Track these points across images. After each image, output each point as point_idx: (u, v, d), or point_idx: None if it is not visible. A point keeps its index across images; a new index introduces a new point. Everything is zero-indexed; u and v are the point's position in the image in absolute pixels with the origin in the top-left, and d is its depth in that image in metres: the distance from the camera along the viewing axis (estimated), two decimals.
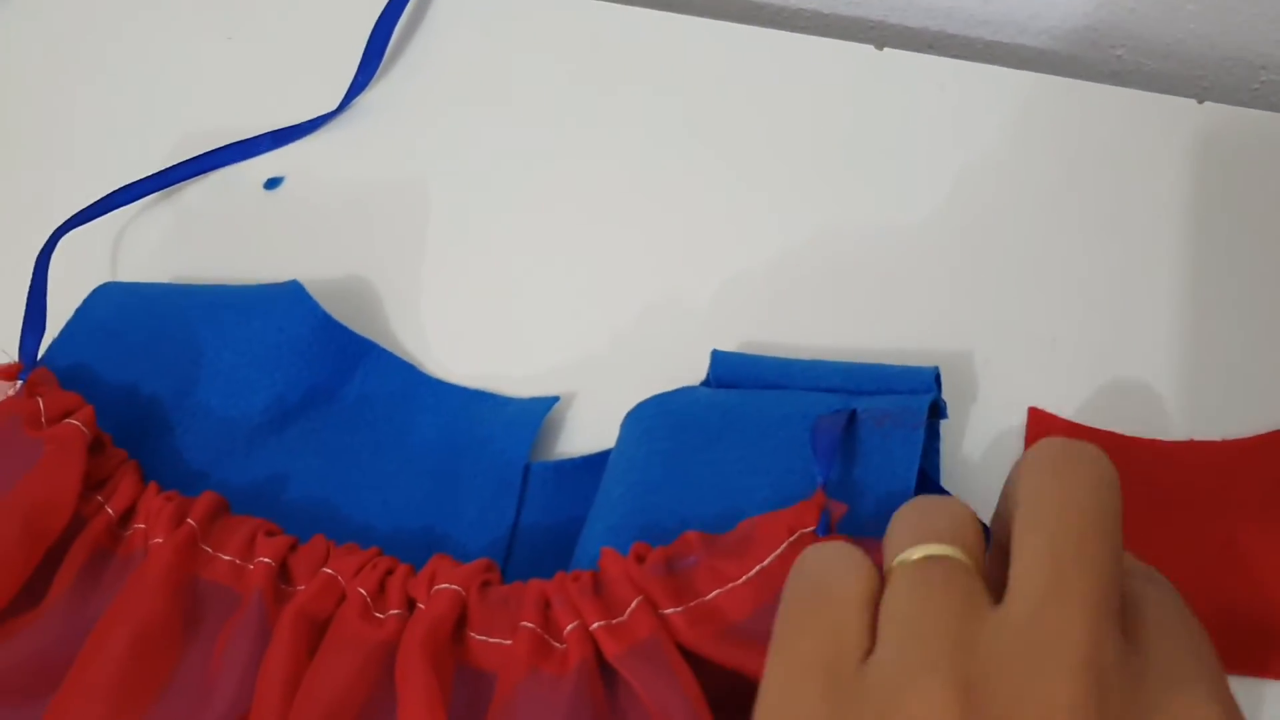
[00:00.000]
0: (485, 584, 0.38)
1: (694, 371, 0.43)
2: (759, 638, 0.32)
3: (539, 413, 0.45)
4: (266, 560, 0.39)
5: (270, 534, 0.40)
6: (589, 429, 0.45)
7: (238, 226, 0.52)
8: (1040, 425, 0.42)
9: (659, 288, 0.48)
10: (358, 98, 0.54)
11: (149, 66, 0.57)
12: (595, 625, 0.35)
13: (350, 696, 0.36)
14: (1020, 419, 0.43)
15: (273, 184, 0.53)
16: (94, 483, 0.41)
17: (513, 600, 0.37)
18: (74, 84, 0.57)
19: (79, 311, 0.47)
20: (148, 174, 0.51)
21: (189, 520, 0.40)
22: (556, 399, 0.45)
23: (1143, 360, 0.43)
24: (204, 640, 0.38)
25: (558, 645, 0.35)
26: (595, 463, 0.43)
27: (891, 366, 0.41)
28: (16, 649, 0.39)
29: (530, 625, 0.36)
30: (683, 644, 0.35)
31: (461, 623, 0.37)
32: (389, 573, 0.38)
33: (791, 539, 0.35)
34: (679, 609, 0.35)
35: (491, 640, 0.36)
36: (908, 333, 0.45)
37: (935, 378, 0.40)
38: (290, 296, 0.46)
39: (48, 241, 0.47)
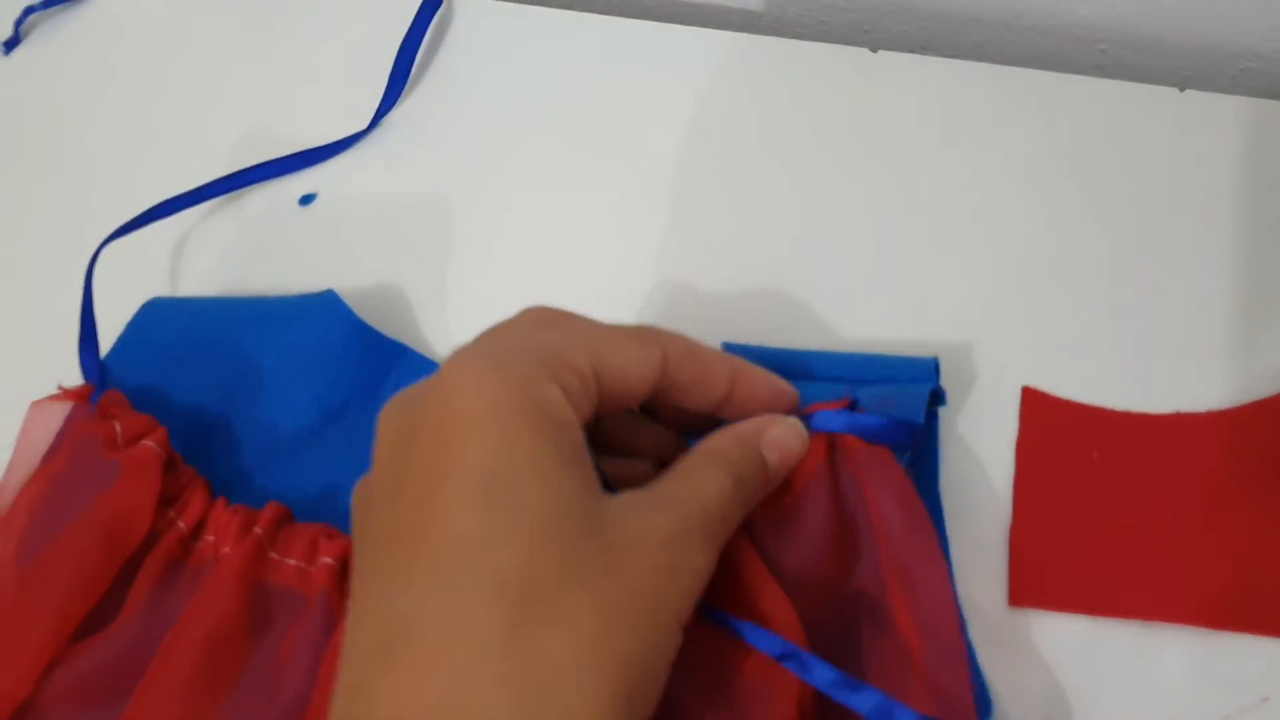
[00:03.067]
0: None
1: None
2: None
3: None
4: (329, 560, 0.42)
5: (331, 536, 0.43)
6: None
7: (274, 240, 0.55)
8: (1034, 404, 0.45)
9: (670, 287, 0.50)
10: (386, 115, 0.57)
11: (188, 89, 0.60)
12: None
13: None
14: (1015, 400, 0.45)
15: (307, 200, 0.56)
16: (166, 499, 0.44)
17: None
18: (120, 105, 0.60)
19: (129, 327, 0.51)
20: (186, 190, 0.54)
21: (255, 529, 0.43)
22: None
23: (1130, 340, 0.45)
24: (272, 639, 0.41)
25: None
26: None
27: (893, 357, 0.43)
28: (98, 655, 0.42)
29: None
30: None
31: None
32: None
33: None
34: None
35: None
36: (907, 322, 0.47)
37: (935, 367, 0.42)
38: (326, 305, 0.49)
39: (93, 256, 0.50)
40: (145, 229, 0.53)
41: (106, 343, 0.50)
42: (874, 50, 0.53)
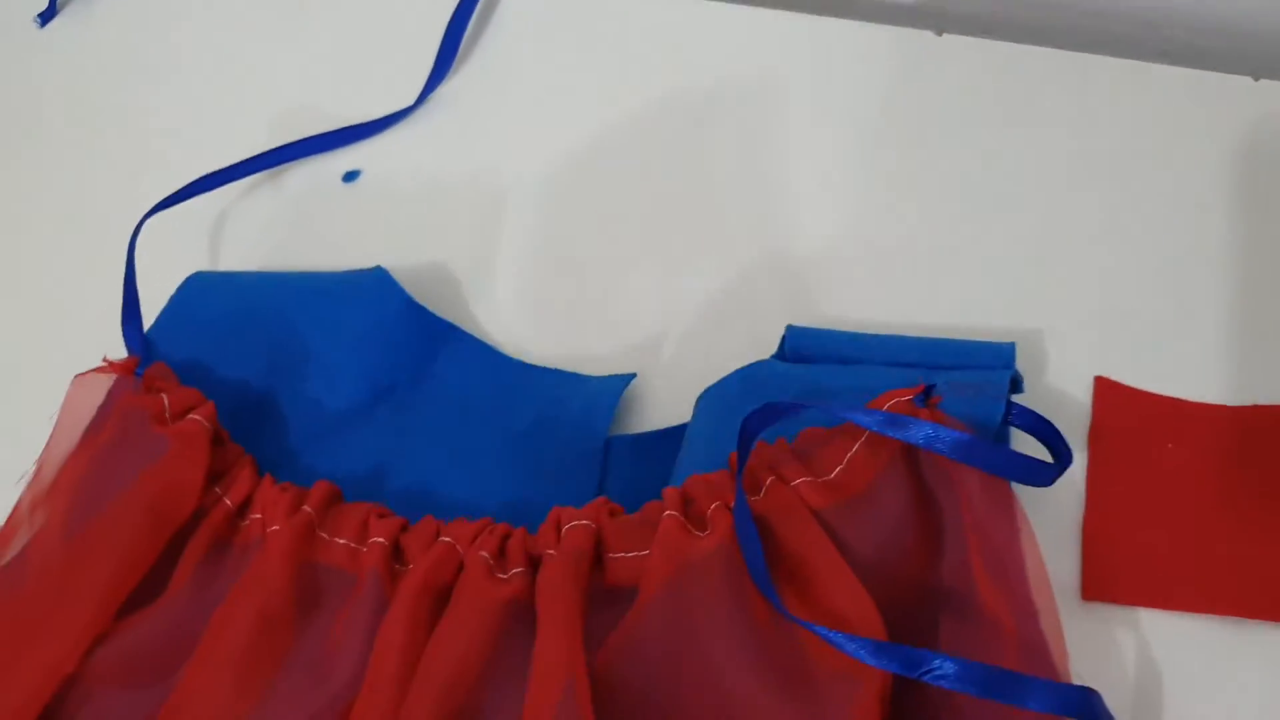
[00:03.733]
0: (611, 513, 0.39)
1: (762, 349, 0.45)
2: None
3: (617, 389, 0.46)
4: (380, 540, 0.41)
5: (382, 516, 0.42)
6: (662, 405, 0.47)
7: (316, 217, 0.54)
8: (1107, 394, 0.44)
9: (728, 268, 0.49)
10: (433, 92, 0.55)
11: (234, 63, 0.59)
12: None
13: (477, 655, 0.38)
14: (1088, 389, 0.44)
15: (350, 176, 0.55)
16: (213, 475, 0.43)
17: (652, 511, 0.39)
18: (159, 78, 0.59)
19: (172, 301, 0.49)
20: (229, 165, 0.53)
21: (305, 508, 0.42)
22: (633, 375, 0.47)
23: (1204, 330, 0.45)
24: (322, 620, 0.40)
25: (699, 533, 0.38)
26: (672, 435, 0.45)
27: (969, 341, 0.42)
28: (143, 632, 0.41)
29: (673, 513, 0.38)
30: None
31: (598, 551, 0.39)
32: (506, 536, 0.40)
33: (890, 404, 0.38)
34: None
35: (630, 555, 0.38)
36: (975, 309, 0.46)
37: (1012, 353, 0.41)
38: (376, 282, 0.48)
39: (135, 228, 0.49)
40: (186, 205, 0.52)
41: (148, 320, 0.49)
42: (939, 33, 0.52)
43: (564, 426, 0.46)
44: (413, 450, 0.47)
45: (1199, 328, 0.45)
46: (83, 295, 0.53)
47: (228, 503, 0.43)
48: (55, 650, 0.40)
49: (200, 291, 0.49)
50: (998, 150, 0.49)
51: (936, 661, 0.33)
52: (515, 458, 0.46)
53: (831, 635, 0.34)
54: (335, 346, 0.47)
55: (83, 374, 0.45)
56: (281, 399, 0.47)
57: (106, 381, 0.45)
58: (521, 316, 0.50)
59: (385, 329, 0.48)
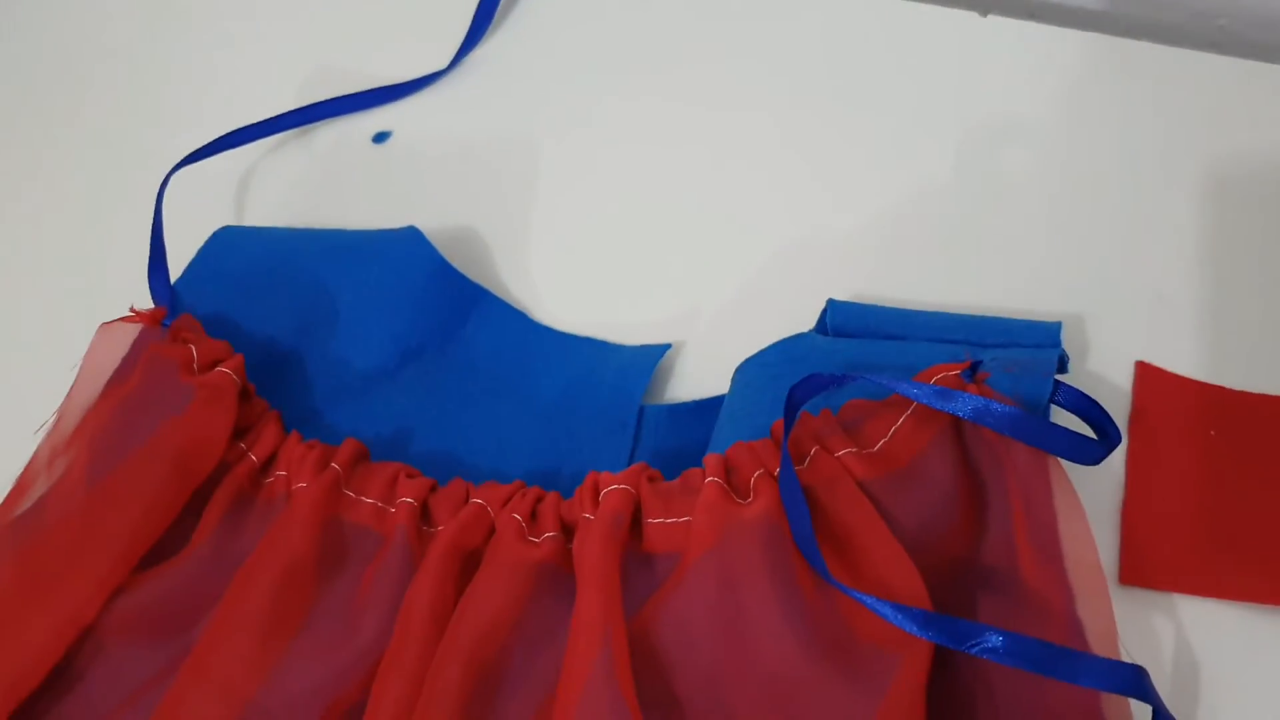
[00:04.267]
0: (651, 479, 0.39)
1: (798, 323, 0.44)
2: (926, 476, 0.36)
3: (653, 358, 0.46)
4: (409, 500, 0.40)
5: (411, 476, 0.41)
6: (696, 376, 0.46)
7: (344, 177, 0.53)
8: (1148, 380, 0.43)
9: (765, 241, 0.49)
10: (468, 55, 0.55)
11: (268, 19, 0.58)
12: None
13: (507, 616, 0.37)
14: (1128, 374, 0.43)
15: (381, 138, 0.54)
16: (238, 430, 0.42)
17: (693, 478, 0.38)
18: (193, 32, 0.58)
19: (200, 254, 0.49)
20: (258, 121, 0.52)
21: (333, 465, 0.41)
22: (668, 346, 0.46)
23: (1248, 316, 0.44)
24: (348, 578, 0.40)
25: (742, 501, 0.37)
26: (707, 406, 0.44)
27: (1014, 320, 0.41)
28: (162, 586, 0.40)
29: (716, 479, 0.37)
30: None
31: (636, 516, 0.38)
32: (539, 500, 0.39)
33: (937, 377, 0.37)
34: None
35: (670, 521, 0.38)
36: (1016, 290, 0.45)
37: (1059, 332, 0.41)
38: (409, 241, 0.48)
39: (163, 181, 0.49)
40: (214, 161, 0.51)
41: (175, 273, 0.48)
42: (983, 14, 0.51)
43: (596, 395, 0.45)
44: (439, 413, 0.46)
45: (1242, 316, 0.44)
46: (110, 247, 0.52)
47: (253, 458, 0.42)
48: (73, 600, 0.39)
49: (228, 246, 0.49)
50: (1043, 134, 0.49)
51: (986, 634, 0.32)
52: (545, 425, 0.45)
53: (879, 605, 0.33)
54: (364, 305, 0.47)
55: (109, 323, 0.45)
56: (308, 356, 0.47)
57: (132, 331, 0.44)
58: (553, 284, 0.49)
59: (416, 289, 0.47)
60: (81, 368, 0.44)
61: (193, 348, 0.43)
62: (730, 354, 0.44)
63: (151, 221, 0.47)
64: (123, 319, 0.45)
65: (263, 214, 0.52)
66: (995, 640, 0.32)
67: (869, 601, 0.34)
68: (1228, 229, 0.46)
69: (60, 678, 0.39)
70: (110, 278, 0.49)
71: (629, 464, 0.44)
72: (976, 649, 0.32)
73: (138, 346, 0.44)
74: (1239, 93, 0.49)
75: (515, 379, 0.47)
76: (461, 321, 0.47)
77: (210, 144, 0.51)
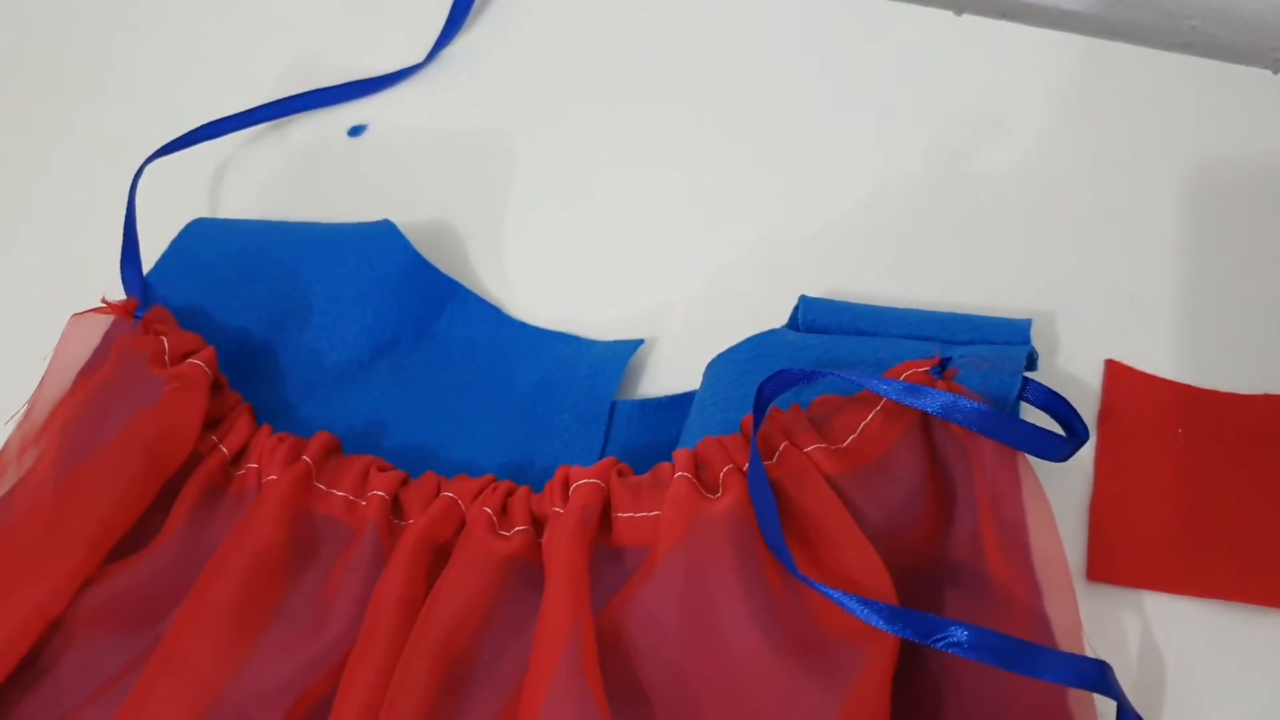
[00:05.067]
0: (621, 473, 0.39)
1: (771, 320, 0.44)
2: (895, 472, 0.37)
3: (625, 354, 0.46)
4: (380, 493, 0.40)
5: (382, 469, 0.41)
6: (668, 372, 0.46)
7: (320, 171, 0.53)
8: (1117, 378, 0.43)
9: (738, 238, 0.49)
10: (445, 48, 0.55)
11: (243, 11, 0.58)
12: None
13: (477, 609, 0.37)
14: (1098, 372, 0.44)
15: (356, 131, 0.54)
16: (209, 422, 0.42)
17: (663, 472, 0.38)
18: (168, 23, 0.58)
19: (173, 246, 0.48)
20: (234, 114, 0.52)
21: (304, 458, 0.41)
22: (641, 341, 0.46)
23: (1218, 316, 0.44)
24: (318, 571, 0.40)
25: (711, 496, 0.37)
26: (679, 402, 0.44)
27: (985, 317, 0.42)
28: (132, 577, 0.40)
29: (685, 474, 0.37)
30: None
31: (605, 511, 0.38)
32: (509, 494, 0.40)
33: (906, 374, 0.38)
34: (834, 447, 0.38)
35: (639, 515, 0.38)
36: (989, 287, 0.46)
37: (1029, 329, 0.41)
38: (383, 235, 0.48)
39: (136, 171, 0.48)
40: (188, 153, 0.51)
41: (147, 265, 0.48)
42: (958, 13, 0.52)
43: (568, 389, 0.45)
44: (412, 407, 0.46)
45: (1212, 316, 0.44)
46: (82, 238, 0.52)
47: (224, 450, 0.42)
48: (42, 591, 0.39)
49: (201, 237, 0.48)
50: (1016, 133, 0.49)
51: (951, 629, 0.33)
52: (517, 419, 0.45)
53: (846, 599, 0.34)
54: (338, 298, 0.47)
55: (80, 314, 0.44)
56: (280, 349, 0.47)
57: (104, 322, 0.44)
58: (527, 279, 0.49)
59: (390, 283, 0.47)
60: (53, 359, 0.44)
61: (164, 339, 0.43)
62: (703, 350, 0.44)
63: (125, 213, 0.47)
64: (94, 310, 0.44)
65: (237, 206, 0.52)
66: (960, 634, 0.32)
67: (835, 596, 0.34)
68: (1199, 229, 0.46)
69: (29, 669, 0.39)
70: (82, 269, 0.49)
71: (600, 459, 0.44)
72: (942, 643, 0.33)
73: (109, 338, 0.44)
74: (1210, 93, 0.49)
75: (488, 373, 0.47)
76: (435, 316, 0.47)
77: (185, 135, 0.50)
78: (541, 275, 0.49)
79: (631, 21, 0.55)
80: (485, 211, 0.51)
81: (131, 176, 0.48)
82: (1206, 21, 0.53)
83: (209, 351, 0.43)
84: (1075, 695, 0.34)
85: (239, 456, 0.42)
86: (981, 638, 0.32)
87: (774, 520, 0.36)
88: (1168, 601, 0.39)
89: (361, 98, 0.54)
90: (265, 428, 0.42)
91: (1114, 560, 0.40)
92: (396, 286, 0.47)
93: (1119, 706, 0.33)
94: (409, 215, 0.50)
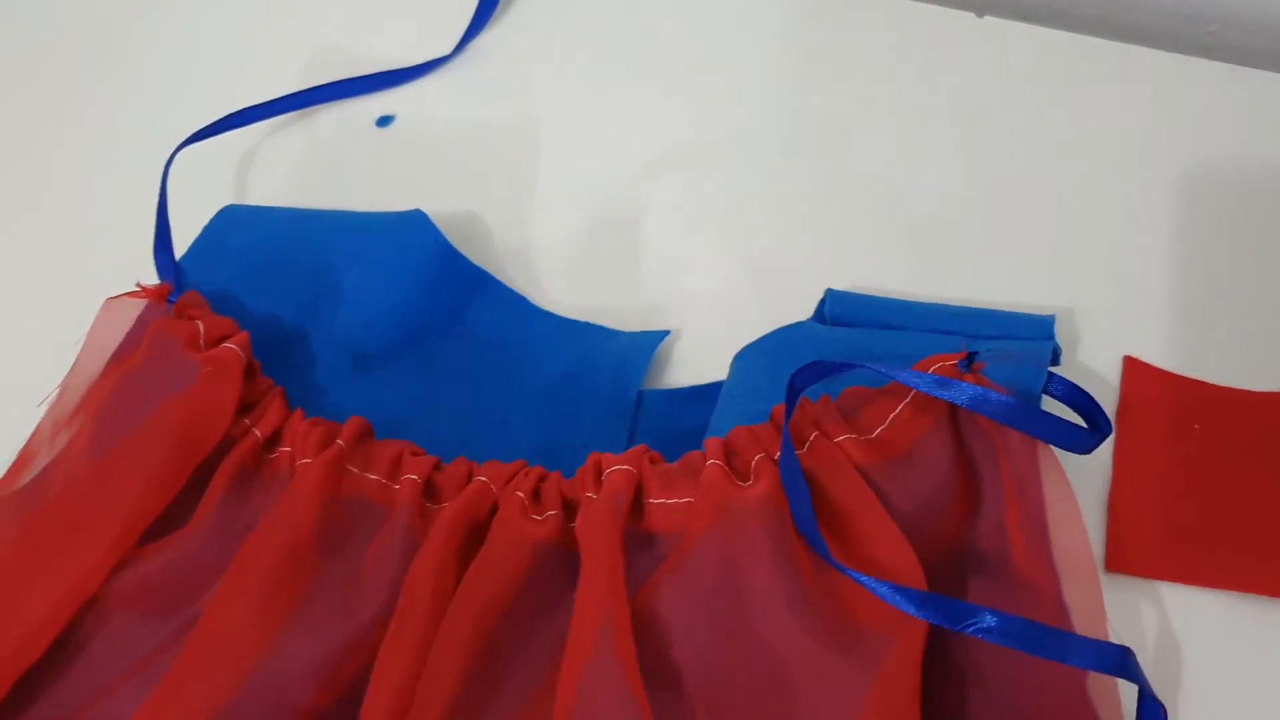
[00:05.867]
0: (652, 460, 0.39)
1: (793, 314, 0.45)
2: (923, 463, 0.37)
3: (652, 344, 0.46)
4: (413, 477, 0.40)
5: (415, 454, 0.42)
6: (694, 363, 0.47)
7: (346, 160, 0.54)
8: (1136, 374, 0.44)
9: (762, 232, 0.49)
10: (473, 40, 0.55)
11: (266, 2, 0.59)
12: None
13: (510, 591, 0.38)
14: (1116, 368, 0.44)
15: (384, 121, 0.54)
16: (243, 406, 0.42)
17: (694, 460, 0.39)
18: (198, 10, 0.59)
19: (205, 232, 0.49)
20: (262, 102, 0.53)
21: (338, 441, 0.41)
22: (668, 332, 0.47)
23: (1233, 314, 0.45)
24: (351, 554, 0.40)
25: (742, 484, 0.38)
26: (704, 392, 0.45)
27: (1009, 313, 0.42)
28: (165, 559, 0.40)
29: (717, 462, 0.38)
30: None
31: (637, 497, 0.39)
32: (541, 479, 0.40)
33: (935, 366, 0.38)
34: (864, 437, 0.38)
35: (671, 501, 0.38)
36: (1009, 284, 0.46)
37: (1053, 325, 0.42)
38: (414, 224, 0.48)
39: (168, 159, 0.49)
40: (217, 140, 0.51)
41: (179, 251, 0.48)
42: (980, 15, 0.52)
43: (595, 379, 0.46)
44: (440, 395, 0.47)
45: (1228, 314, 0.45)
46: (114, 224, 0.52)
47: (257, 434, 0.42)
48: (76, 572, 0.39)
49: (233, 224, 0.49)
50: (1036, 133, 0.50)
51: (981, 615, 0.33)
52: (544, 407, 0.46)
53: (878, 585, 0.34)
54: (369, 286, 0.47)
55: (114, 298, 0.45)
56: (311, 335, 0.47)
57: (137, 306, 0.45)
58: (554, 270, 0.50)
59: (421, 272, 0.48)
60: (86, 342, 0.45)
61: (199, 323, 0.43)
62: (727, 342, 0.45)
63: (157, 199, 0.47)
64: (128, 294, 0.45)
65: (265, 195, 0.53)
66: (989, 620, 0.33)
67: (867, 582, 0.35)
68: (1215, 228, 0.47)
69: (63, 649, 0.39)
70: (114, 255, 0.49)
71: (627, 447, 0.44)
72: (972, 629, 0.33)
73: (142, 321, 0.44)
74: (1227, 96, 0.50)
75: (516, 362, 0.47)
76: (464, 304, 0.48)
77: (215, 123, 0.51)
78: (567, 266, 0.50)
79: (659, 14, 0.55)
80: (511, 202, 0.51)
81: (162, 164, 0.49)
82: (1225, 26, 0.53)
83: (243, 336, 0.43)
84: (1096, 683, 0.35)
85: (272, 440, 0.42)
86: (1009, 624, 0.33)
87: (808, 507, 0.36)
88: (1184, 592, 0.40)
89: (391, 88, 0.55)
90: (298, 412, 0.43)
91: (1131, 552, 0.41)
92: (427, 275, 0.48)
93: (1140, 692, 0.34)
94: (435, 205, 0.50)
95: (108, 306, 0.45)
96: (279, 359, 0.46)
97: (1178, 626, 0.40)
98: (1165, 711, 0.34)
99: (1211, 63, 0.50)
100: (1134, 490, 0.42)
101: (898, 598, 0.34)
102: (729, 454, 0.39)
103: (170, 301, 0.44)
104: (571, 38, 0.55)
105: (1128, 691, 0.35)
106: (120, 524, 0.40)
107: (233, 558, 0.39)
